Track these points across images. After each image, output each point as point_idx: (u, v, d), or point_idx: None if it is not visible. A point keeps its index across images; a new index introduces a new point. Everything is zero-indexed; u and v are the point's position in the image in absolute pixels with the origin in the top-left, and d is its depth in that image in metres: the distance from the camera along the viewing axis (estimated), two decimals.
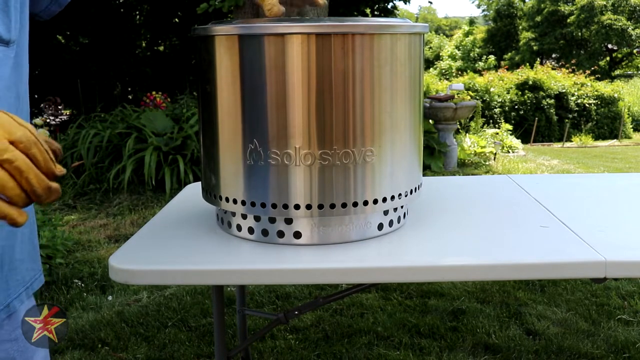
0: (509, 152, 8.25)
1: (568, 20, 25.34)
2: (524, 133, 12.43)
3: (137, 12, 9.71)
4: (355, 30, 1.01)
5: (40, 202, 0.62)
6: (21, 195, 0.60)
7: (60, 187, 0.63)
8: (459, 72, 23.52)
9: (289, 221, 1.09)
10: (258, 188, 1.07)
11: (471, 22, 33.69)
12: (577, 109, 13.90)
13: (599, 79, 16.46)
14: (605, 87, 14.73)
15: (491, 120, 12.42)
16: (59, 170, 0.63)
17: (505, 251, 1.12)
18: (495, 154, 7.20)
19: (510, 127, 10.19)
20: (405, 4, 9.34)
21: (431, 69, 27.03)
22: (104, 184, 4.89)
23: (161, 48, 9.65)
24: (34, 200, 0.62)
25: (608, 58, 26.72)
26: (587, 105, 13.98)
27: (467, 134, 7.88)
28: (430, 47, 33.10)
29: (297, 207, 1.06)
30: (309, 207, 1.06)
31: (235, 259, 1.08)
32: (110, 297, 2.82)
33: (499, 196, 1.53)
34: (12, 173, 0.59)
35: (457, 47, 30.30)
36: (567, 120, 13.53)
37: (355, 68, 1.02)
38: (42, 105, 6.26)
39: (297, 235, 1.10)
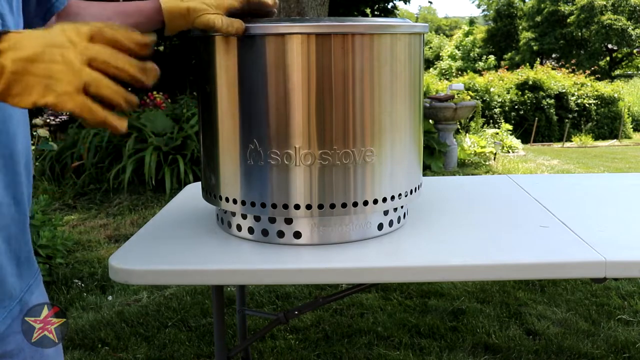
0: (509, 152, 8.25)
1: (568, 20, 25.34)
2: (524, 133, 12.43)
3: None
4: (355, 30, 1.01)
5: (142, 86, 0.61)
6: (118, 91, 0.59)
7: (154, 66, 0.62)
8: (459, 72, 23.53)
9: (289, 221, 1.09)
10: (258, 188, 1.07)
11: (471, 22, 33.70)
12: (577, 109, 13.90)
13: (599, 79, 16.46)
14: (605, 87, 14.73)
15: (491, 120, 12.42)
16: (148, 38, 0.62)
17: (505, 251, 1.12)
18: (495, 154, 7.20)
19: (510, 127, 10.20)
20: (405, 4, 9.35)
21: (431, 69, 27.04)
22: (104, 184, 4.88)
23: (161, 48, 9.64)
24: (137, 86, 0.61)
25: (608, 58, 26.72)
26: (587, 105, 13.98)
27: (467, 134, 7.88)
28: (430, 47, 33.10)
29: (297, 207, 1.06)
30: (309, 207, 1.06)
31: (235, 259, 1.08)
32: (110, 297, 2.81)
33: (499, 196, 1.53)
34: (102, 68, 0.59)
35: (457, 47, 30.30)
36: (567, 120, 13.53)
37: (355, 68, 1.02)
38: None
39: (297, 235, 1.10)
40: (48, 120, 5.95)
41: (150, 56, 0.63)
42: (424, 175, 1.26)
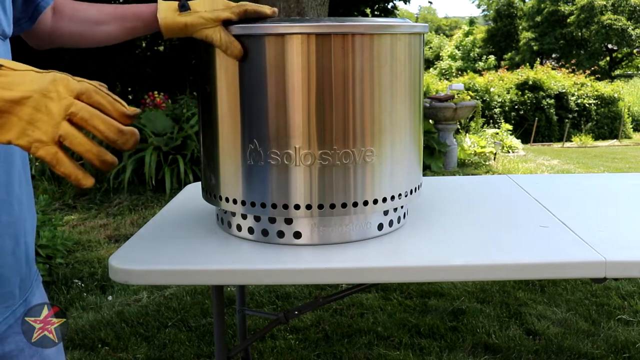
0: (509, 152, 8.25)
1: (568, 20, 25.34)
2: (524, 133, 12.43)
3: None
4: (355, 31, 1.01)
5: (120, 148, 0.62)
6: (92, 149, 0.61)
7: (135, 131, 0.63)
8: (459, 72, 23.53)
9: (289, 221, 1.09)
10: (258, 188, 1.07)
11: (471, 22, 33.69)
12: (577, 109, 13.90)
13: (599, 79, 16.46)
14: (605, 87, 14.73)
15: (491, 120, 12.42)
16: (131, 110, 0.63)
17: (505, 251, 1.12)
18: (495, 154, 7.20)
19: (510, 127, 10.20)
20: (405, 4, 9.35)
21: (431, 69, 27.04)
22: (104, 184, 4.89)
23: (161, 48, 9.64)
24: (116, 148, 0.62)
25: (608, 58, 26.72)
26: (587, 105, 13.98)
27: (467, 134, 7.88)
28: (430, 47, 33.10)
29: (297, 207, 1.06)
30: (309, 207, 1.06)
31: (235, 259, 1.08)
32: (110, 297, 2.82)
33: (499, 196, 1.53)
34: (81, 125, 0.61)
35: (457, 47, 30.29)
36: (567, 120, 13.53)
37: (355, 68, 1.02)
38: None
39: (297, 235, 1.10)
40: None
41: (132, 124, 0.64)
42: (424, 175, 1.26)
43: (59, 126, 0.60)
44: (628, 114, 14.92)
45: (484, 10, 33.35)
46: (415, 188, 1.18)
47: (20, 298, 0.83)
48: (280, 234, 1.10)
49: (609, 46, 25.47)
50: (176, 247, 1.15)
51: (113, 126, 0.61)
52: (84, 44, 1.06)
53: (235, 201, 1.10)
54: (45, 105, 0.60)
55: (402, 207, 1.20)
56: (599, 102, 14.21)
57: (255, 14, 1.02)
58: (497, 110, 12.97)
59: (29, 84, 0.60)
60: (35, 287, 0.88)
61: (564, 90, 13.82)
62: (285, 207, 1.06)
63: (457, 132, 7.52)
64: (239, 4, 1.01)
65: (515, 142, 8.81)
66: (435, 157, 6.09)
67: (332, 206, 1.06)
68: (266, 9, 1.03)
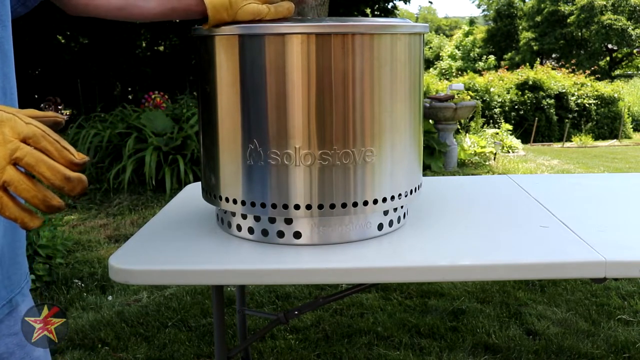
0: (509, 152, 8.25)
1: (568, 20, 25.33)
2: (524, 133, 12.43)
3: None
4: (356, 31, 1.01)
5: (67, 194, 0.61)
6: (37, 195, 0.59)
7: (84, 176, 0.61)
8: (459, 72, 23.52)
9: (288, 221, 1.09)
10: (258, 188, 1.07)
11: (471, 22, 33.69)
12: (577, 109, 13.90)
13: (599, 79, 16.45)
14: (605, 87, 14.72)
15: (491, 120, 12.41)
16: (79, 157, 0.61)
17: (506, 251, 1.12)
18: (495, 154, 7.20)
19: (510, 127, 10.19)
20: (405, 4, 9.35)
21: (431, 69, 27.02)
22: (104, 184, 4.89)
23: (161, 48, 9.64)
24: (63, 193, 0.60)
25: (608, 58, 26.72)
26: (587, 105, 13.98)
27: (467, 134, 7.88)
28: (430, 47, 33.08)
29: (297, 207, 1.06)
30: (308, 207, 1.06)
31: (235, 259, 1.08)
32: (110, 297, 2.81)
33: (498, 196, 1.53)
34: (27, 170, 0.59)
35: (457, 47, 30.29)
36: (567, 120, 13.52)
37: (355, 68, 1.02)
38: (42, 105, 6.27)
39: (297, 235, 1.10)
40: None
41: (82, 170, 0.62)
42: (424, 175, 1.26)
43: (4, 171, 0.58)
44: (628, 114, 14.91)
45: (484, 10, 33.34)
46: (415, 188, 1.18)
47: (4, 299, 0.82)
48: (280, 234, 1.10)
49: (609, 46, 25.46)
50: (176, 247, 1.15)
51: (59, 173, 0.59)
52: (120, 17, 1.04)
53: (235, 201, 1.10)
54: None
55: (402, 207, 1.20)
56: (599, 102, 14.21)
57: None
58: (497, 110, 12.97)
59: None
60: (26, 289, 0.86)
61: (564, 90, 13.82)
62: (285, 207, 1.06)
63: (457, 132, 7.52)
64: None
65: (515, 142, 8.80)
66: (435, 157, 6.09)
67: (332, 206, 1.06)
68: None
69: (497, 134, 8.81)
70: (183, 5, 1.02)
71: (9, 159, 0.58)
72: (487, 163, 6.73)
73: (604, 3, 24.43)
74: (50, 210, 0.60)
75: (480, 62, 27.12)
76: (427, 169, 5.97)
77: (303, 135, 1.03)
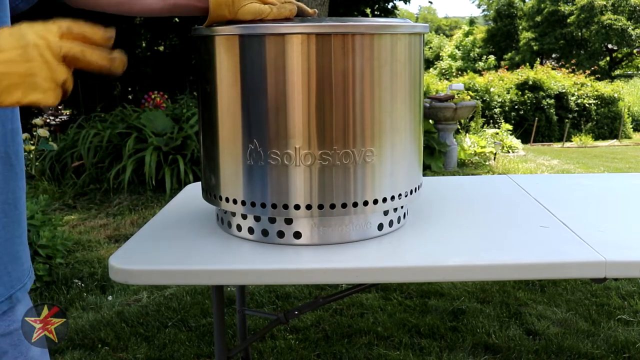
0: (509, 152, 8.25)
1: (568, 20, 25.33)
2: (524, 133, 12.43)
3: None
4: (356, 31, 1.01)
5: (112, 74, 0.67)
6: (105, 56, 0.67)
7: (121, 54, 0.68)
8: (459, 72, 23.53)
9: (289, 221, 1.09)
10: (258, 188, 1.07)
11: (471, 22, 33.70)
12: (577, 109, 13.90)
13: (599, 79, 16.46)
14: (605, 87, 14.73)
15: (491, 120, 12.42)
16: (109, 30, 0.67)
17: (505, 251, 1.12)
18: (495, 154, 7.20)
19: (510, 127, 10.19)
20: (405, 4, 9.35)
21: (431, 69, 27.03)
22: (104, 184, 4.88)
23: (161, 48, 9.64)
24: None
25: (608, 58, 26.72)
26: (587, 105, 13.98)
27: (467, 134, 7.88)
28: (430, 47, 33.08)
29: (297, 207, 1.06)
30: (309, 207, 1.06)
31: (235, 259, 1.08)
32: (110, 297, 2.81)
33: (499, 196, 1.53)
34: (74, 61, 0.64)
35: (457, 47, 30.29)
36: (567, 120, 13.53)
37: (355, 68, 1.02)
38: (42, 105, 6.25)
39: (297, 235, 1.10)
40: (48, 120, 5.95)
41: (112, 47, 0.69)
42: (424, 175, 1.26)
43: (58, 70, 0.63)
44: (628, 114, 14.92)
45: (484, 10, 33.35)
46: (415, 188, 1.18)
47: (2, 296, 0.81)
48: (280, 234, 1.10)
49: (609, 46, 25.46)
50: (176, 247, 1.15)
51: (104, 55, 0.66)
52: (121, 11, 1.05)
53: (235, 201, 1.10)
54: (40, 54, 0.62)
55: (402, 207, 1.20)
56: (599, 102, 14.21)
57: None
58: (497, 110, 12.97)
59: (14, 41, 0.61)
60: (29, 285, 0.87)
61: (564, 90, 13.82)
62: (285, 207, 1.06)
63: (457, 132, 7.51)
64: None
65: (515, 142, 8.81)
66: (435, 157, 6.09)
67: (332, 206, 1.06)
68: (308, 9, 1.05)
69: (497, 134, 8.81)
70: (185, 1, 1.02)
71: (58, 56, 0.63)
72: (487, 163, 6.73)
73: (604, 3, 24.43)
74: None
75: (480, 62, 27.13)
76: (427, 169, 5.97)
77: (303, 135, 1.03)
